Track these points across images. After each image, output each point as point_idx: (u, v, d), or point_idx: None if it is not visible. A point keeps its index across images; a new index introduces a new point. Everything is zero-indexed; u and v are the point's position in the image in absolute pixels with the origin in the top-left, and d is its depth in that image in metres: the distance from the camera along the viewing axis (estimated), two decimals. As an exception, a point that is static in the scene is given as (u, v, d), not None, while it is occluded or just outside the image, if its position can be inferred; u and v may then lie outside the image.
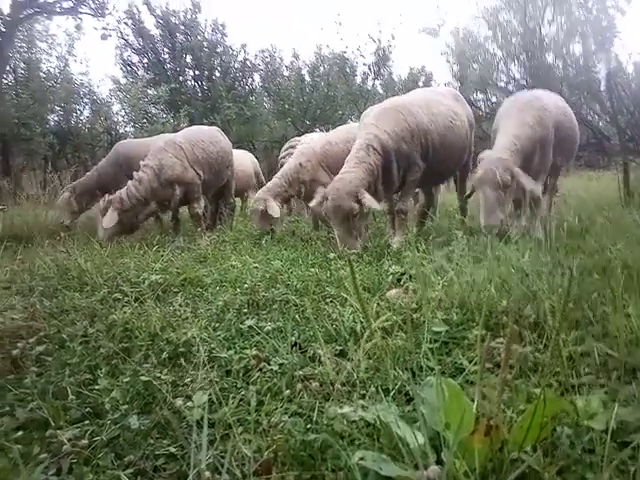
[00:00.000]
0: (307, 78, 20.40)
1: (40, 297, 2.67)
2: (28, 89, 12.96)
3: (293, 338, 1.94)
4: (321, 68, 20.42)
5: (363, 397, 1.50)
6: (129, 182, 4.92)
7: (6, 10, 8.74)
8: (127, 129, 18.28)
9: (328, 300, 2.49)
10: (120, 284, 2.87)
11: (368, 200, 3.71)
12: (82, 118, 16.33)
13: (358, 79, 19.89)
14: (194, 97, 18.64)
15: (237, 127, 18.36)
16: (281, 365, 1.71)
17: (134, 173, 4.98)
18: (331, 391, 1.54)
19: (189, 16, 19.53)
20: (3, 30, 7.93)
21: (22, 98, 12.33)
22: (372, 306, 2.25)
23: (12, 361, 1.84)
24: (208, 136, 5.69)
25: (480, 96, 19.96)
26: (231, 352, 1.81)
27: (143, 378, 1.57)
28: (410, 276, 2.70)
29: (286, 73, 20.76)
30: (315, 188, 5.35)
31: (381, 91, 20.46)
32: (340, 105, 18.69)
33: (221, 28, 20.18)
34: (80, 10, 7.53)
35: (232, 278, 2.98)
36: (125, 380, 1.61)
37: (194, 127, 6.55)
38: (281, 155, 7.32)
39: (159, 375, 1.66)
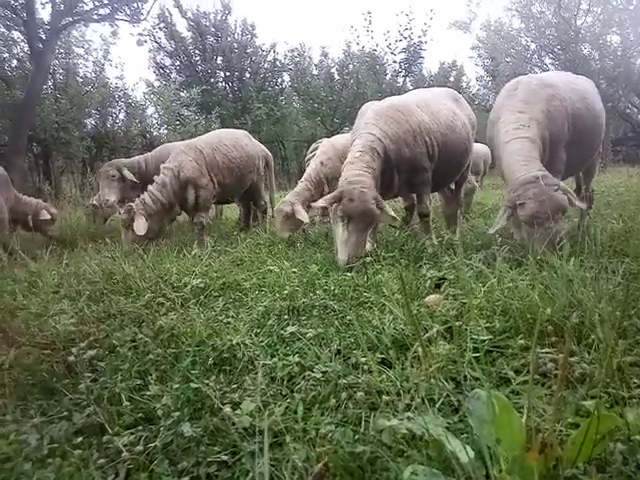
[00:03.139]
0: (336, 76, 20.43)
1: (88, 301, 2.77)
2: (67, 94, 13.42)
3: (335, 345, 1.95)
4: (350, 66, 20.40)
5: (409, 407, 1.51)
6: (150, 187, 4.98)
7: (46, 18, 9.08)
8: (161, 131, 18.71)
9: (367, 306, 2.50)
10: (163, 288, 2.95)
11: (388, 208, 3.58)
12: (117, 121, 16.82)
13: (388, 76, 19.76)
14: (225, 98, 18.91)
15: (267, 127, 18.53)
16: (324, 373, 1.73)
17: (156, 177, 5.06)
18: (377, 400, 1.55)
19: (219, 17, 19.82)
20: (44, 38, 8.23)
21: (61, 103, 12.74)
22: (412, 312, 2.26)
23: (67, 366, 1.92)
24: (232, 140, 5.77)
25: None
26: (275, 359, 1.84)
27: (193, 385, 1.61)
28: (449, 281, 2.68)
29: (315, 72, 20.84)
30: (337, 186, 5.37)
31: (411, 87, 20.26)
32: (370, 103, 18.58)
33: (250, 29, 20.41)
34: (116, 17, 7.75)
35: (270, 283, 3.02)
36: (175, 386, 1.66)
37: (220, 131, 6.61)
38: (307, 157, 7.30)
39: (207, 382, 1.70)
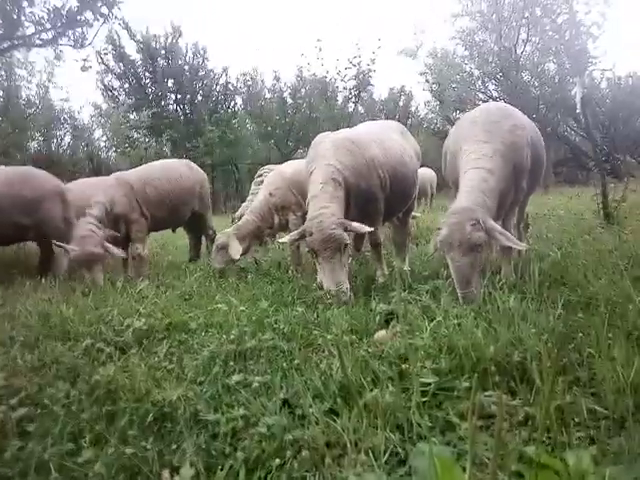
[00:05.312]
0: (289, 100, 20.62)
1: (21, 349, 2.60)
2: (8, 117, 12.87)
3: (281, 394, 1.91)
4: (302, 90, 20.67)
5: (354, 463, 1.48)
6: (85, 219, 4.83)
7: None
8: (109, 154, 18.25)
9: (315, 346, 2.47)
10: (103, 332, 2.81)
11: (357, 225, 3.54)
12: (63, 145, 16.26)
13: (339, 102, 20.15)
14: (176, 121, 18.67)
15: (220, 150, 18.40)
16: (269, 427, 1.68)
17: (87, 210, 4.90)
18: (322, 456, 1.51)
19: (170, 40, 19.68)
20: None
21: (1, 127, 12.21)
22: (360, 352, 2.24)
23: (-8, 430, 1.78)
24: (166, 173, 5.76)
25: (459, 115, 20.36)
26: (218, 415, 1.77)
27: (128, 450, 1.52)
28: (397, 316, 2.70)
29: (268, 95, 20.99)
30: (287, 215, 5.36)
31: (362, 111, 20.75)
32: (322, 127, 18.87)
33: (202, 52, 20.38)
34: (60, 42, 7.55)
35: (218, 322, 2.94)
36: (110, 450, 1.57)
37: (156, 162, 6.45)
38: (252, 186, 7.07)
39: (145, 444, 1.61)
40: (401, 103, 24.15)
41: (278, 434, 1.64)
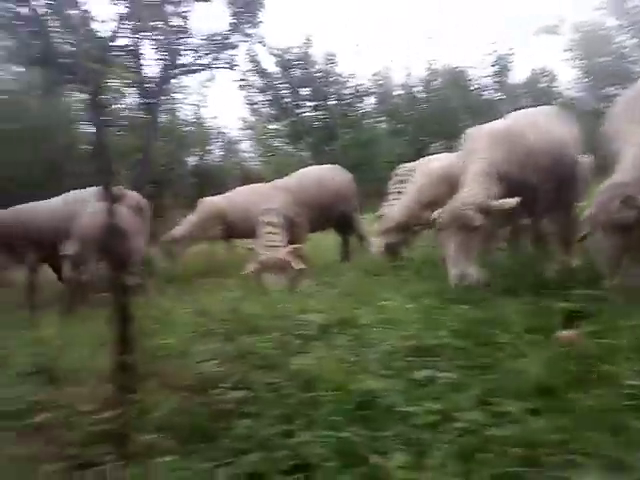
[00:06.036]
0: (420, 94, 20.31)
1: (222, 341, 2.97)
2: (172, 137, 14.62)
3: (474, 391, 1.93)
4: (434, 82, 20.20)
5: (570, 464, 1.45)
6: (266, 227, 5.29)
7: (153, 72, 10.04)
8: (254, 163, 19.71)
9: (494, 345, 2.44)
10: (287, 326, 3.08)
11: (499, 202, 3.44)
12: (215, 158, 17.98)
13: (477, 90, 19.30)
14: (313, 127, 19.46)
15: (355, 151, 18.75)
16: (469, 422, 1.71)
17: (263, 217, 5.32)
18: (531, 455, 1.51)
19: (303, 50, 20.59)
20: (155, 90, 9.15)
21: (167, 146, 13.90)
22: (547, 352, 2.17)
23: (217, 408, 2.07)
24: (319, 177, 6.24)
25: (613, 91, 18.15)
26: (415, 407, 1.85)
27: (342, 434, 1.67)
28: (583, 315, 2.54)
29: (398, 92, 20.87)
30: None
31: (501, 98, 19.63)
32: (459, 119, 18.20)
33: (332, 58, 20.94)
34: (215, 65, 8.42)
35: (387, 319, 3.04)
36: (323, 434, 1.73)
37: (309, 169, 6.88)
38: (391, 188, 7.06)
39: (351, 430, 1.75)
40: (543, 85, 22.29)
41: (479, 430, 1.67)
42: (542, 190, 3.94)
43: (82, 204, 5.66)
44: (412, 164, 7.40)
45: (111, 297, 2.34)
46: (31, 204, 6.12)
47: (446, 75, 19.33)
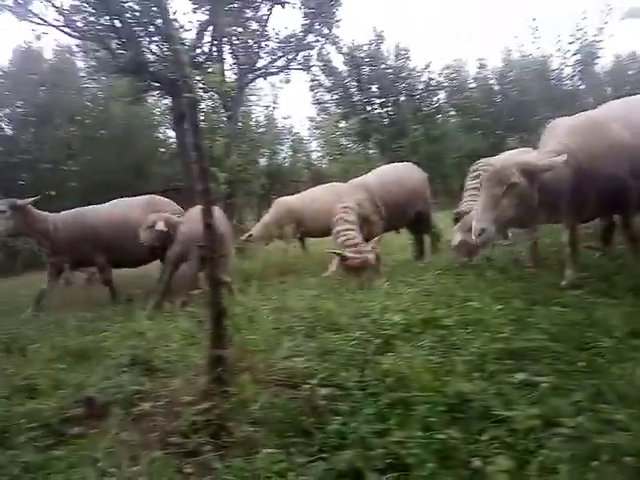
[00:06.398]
0: (496, 87, 19.55)
1: (304, 338, 3.02)
2: (245, 138, 15.07)
3: (576, 397, 1.83)
4: (510, 74, 19.36)
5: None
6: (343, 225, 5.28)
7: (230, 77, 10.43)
8: (323, 162, 19.89)
9: (595, 350, 2.30)
10: (367, 325, 3.08)
11: (543, 163, 3.33)
12: (285, 158, 18.33)
13: (558, 81, 18.28)
14: (382, 124, 19.30)
15: (425, 147, 18.41)
16: (573, 428, 1.63)
17: (341, 216, 5.29)
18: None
19: (373, 47, 20.44)
20: (233, 95, 9.49)
21: (242, 147, 14.34)
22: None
23: (309, 404, 2.12)
24: (396, 176, 6.10)
25: None
26: (514, 412, 1.79)
27: (440, 436, 1.65)
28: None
29: (473, 85, 20.21)
30: None
31: (584, 87, 18.47)
32: (537, 111, 17.32)
33: (404, 52, 20.62)
34: (290, 67, 8.58)
35: (473, 320, 2.96)
36: (417, 434, 1.72)
37: (386, 167, 6.78)
38: (468, 184, 6.78)
39: (448, 431, 1.72)
40: (631, 72, 20.70)
41: (587, 437, 1.58)
42: (632, 187, 3.68)
43: (133, 210, 6.18)
44: (489, 159, 7.12)
45: (205, 294, 2.45)
46: (91, 207, 6.48)
47: (523, 66, 18.46)
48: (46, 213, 6.02)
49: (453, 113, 20.45)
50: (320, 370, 2.44)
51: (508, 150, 7.19)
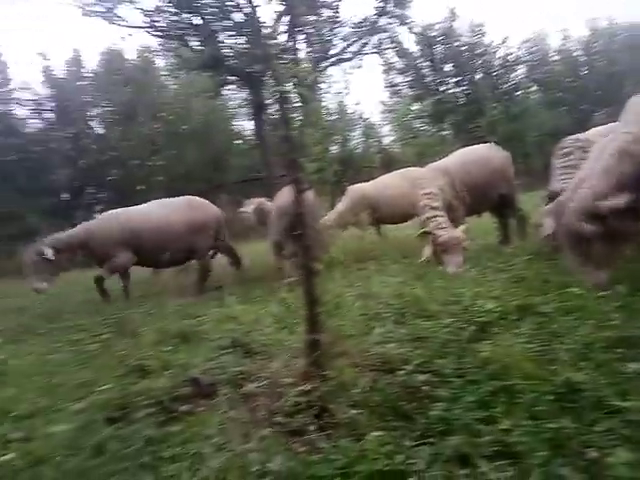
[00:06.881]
0: (581, 59, 18.22)
1: (394, 324, 3.04)
2: (317, 126, 15.16)
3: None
4: (597, 44, 17.96)
5: None
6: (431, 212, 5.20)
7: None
8: (395, 146, 19.58)
9: None
10: (458, 312, 3.04)
11: (610, 203, 3.01)
12: (358, 144, 18.25)
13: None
14: (456, 105, 18.69)
15: (504, 126, 17.61)
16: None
17: (425, 202, 5.21)
18: None
19: (446, 25, 19.76)
20: (309, 83, 9.57)
21: (315, 136, 14.45)
22: None
23: (406, 389, 2.14)
24: (477, 158, 5.94)
25: None
26: (629, 402, 1.70)
27: (551, 425, 1.61)
28: None
29: (555, 57, 18.98)
30: None
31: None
32: (627, 83, 15.98)
33: (478, 28, 19.75)
34: (364, 51, 8.50)
35: (574, 307, 2.83)
36: (526, 423, 1.69)
37: (465, 149, 6.55)
38: (556, 162, 6.32)
39: (559, 421, 1.68)
40: None
41: None
42: None
43: (175, 210, 6.46)
44: (580, 135, 6.67)
45: (300, 280, 2.53)
46: (133, 207, 6.77)
47: (612, 34, 17.06)
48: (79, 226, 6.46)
49: (534, 89, 19.33)
50: (414, 356, 2.44)
51: (595, 127, 6.70)
